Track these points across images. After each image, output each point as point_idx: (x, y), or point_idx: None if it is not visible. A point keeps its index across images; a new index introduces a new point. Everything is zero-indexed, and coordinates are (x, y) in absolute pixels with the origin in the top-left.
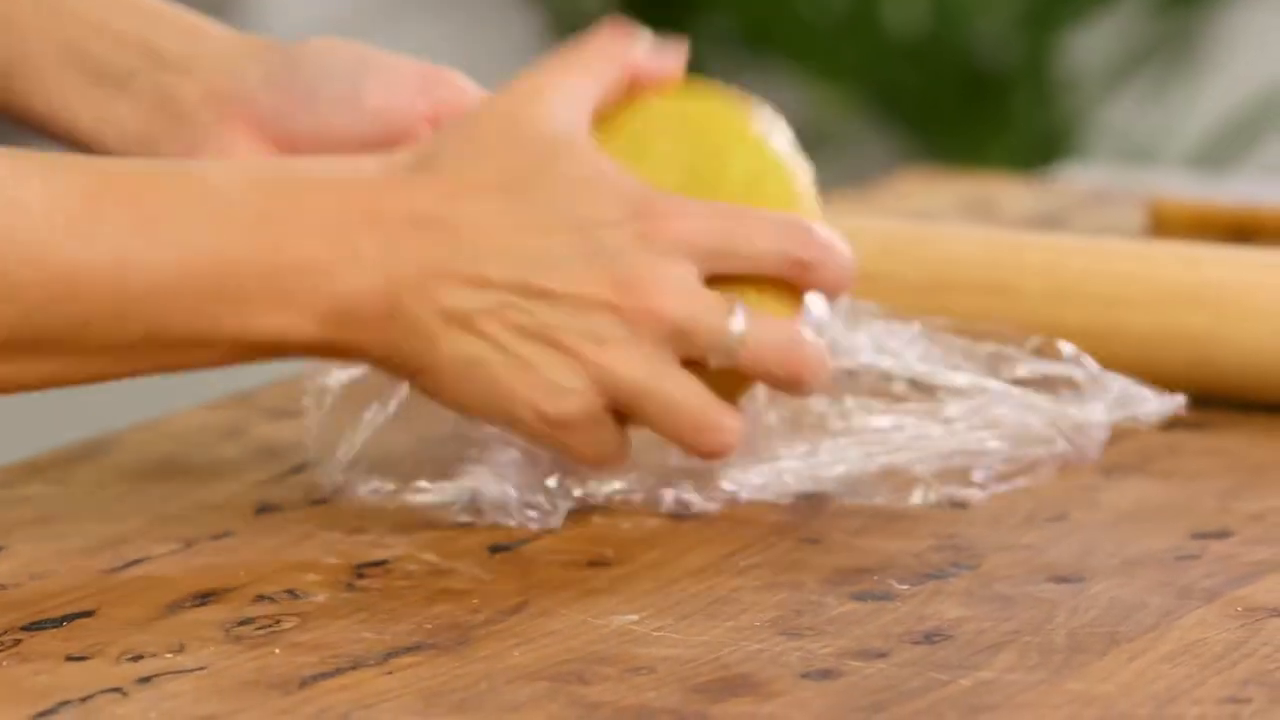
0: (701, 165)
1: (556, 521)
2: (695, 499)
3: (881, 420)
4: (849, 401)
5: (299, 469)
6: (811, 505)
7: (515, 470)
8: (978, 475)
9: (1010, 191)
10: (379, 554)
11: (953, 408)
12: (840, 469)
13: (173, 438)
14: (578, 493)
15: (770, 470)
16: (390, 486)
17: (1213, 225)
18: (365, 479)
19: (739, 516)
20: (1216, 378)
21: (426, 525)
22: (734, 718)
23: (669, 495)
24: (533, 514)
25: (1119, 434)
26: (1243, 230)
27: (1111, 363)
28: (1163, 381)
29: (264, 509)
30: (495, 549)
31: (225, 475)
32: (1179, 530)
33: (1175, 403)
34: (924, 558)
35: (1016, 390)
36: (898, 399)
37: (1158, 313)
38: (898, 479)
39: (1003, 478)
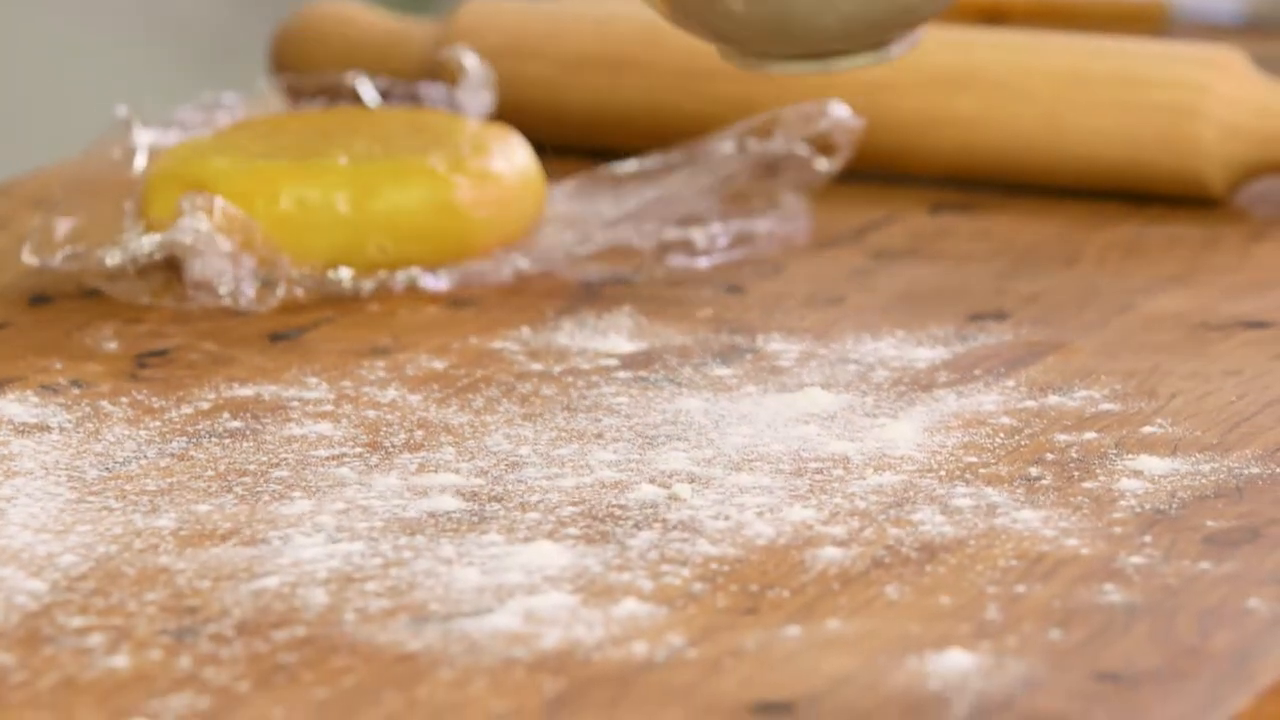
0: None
1: (261, 305)
2: (429, 279)
3: (599, 199)
4: (566, 185)
5: (69, 259)
6: (588, 290)
7: (225, 258)
8: (699, 245)
9: None
10: (159, 344)
11: (663, 182)
12: (562, 248)
13: None
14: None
15: (494, 256)
16: (82, 248)
17: (964, 11)
18: (62, 249)
19: (516, 303)
20: (983, 161)
21: (204, 316)
22: (522, 480)
23: (399, 278)
24: (248, 290)
25: (885, 218)
26: (992, 14)
27: (879, 147)
28: (930, 165)
29: (38, 299)
30: (275, 337)
31: None
32: (956, 313)
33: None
34: (706, 343)
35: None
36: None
37: (925, 97)
38: (620, 254)
39: (723, 249)
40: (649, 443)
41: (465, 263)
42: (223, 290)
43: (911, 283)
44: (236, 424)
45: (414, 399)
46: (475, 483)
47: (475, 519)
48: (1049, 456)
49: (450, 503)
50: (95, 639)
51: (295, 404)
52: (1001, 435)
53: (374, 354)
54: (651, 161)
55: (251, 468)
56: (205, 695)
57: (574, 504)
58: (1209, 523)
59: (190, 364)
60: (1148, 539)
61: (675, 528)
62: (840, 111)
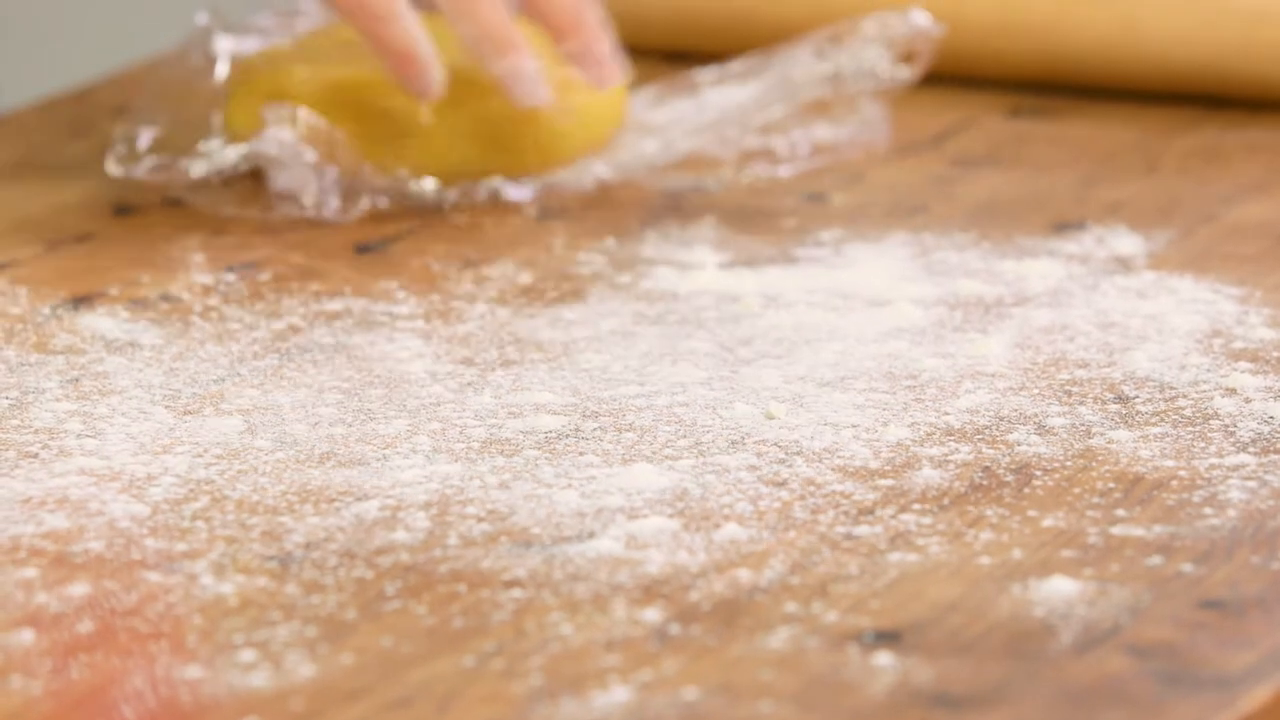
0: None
1: (346, 216)
2: (512, 189)
3: (680, 107)
4: (647, 93)
5: (153, 170)
6: (671, 200)
7: (309, 169)
8: (780, 153)
9: None
10: (246, 256)
11: (744, 90)
12: (644, 158)
13: (19, 135)
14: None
15: (576, 165)
16: (166, 159)
17: None
18: (146, 160)
19: (600, 214)
20: (1060, 65)
21: (289, 228)
22: (616, 400)
23: (482, 188)
24: (332, 201)
25: (963, 124)
26: None
27: (957, 52)
28: (1006, 70)
29: (122, 210)
30: (361, 249)
31: (79, 175)
32: (1040, 222)
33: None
34: (788, 251)
35: (799, 69)
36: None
37: (1002, 1)
38: (702, 163)
39: (804, 157)
40: (740, 359)
41: (547, 172)
42: (307, 201)
43: (993, 191)
44: (328, 339)
45: (503, 313)
46: (569, 401)
47: (572, 439)
48: (1140, 373)
49: (546, 422)
50: (200, 565)
51: (385, 318)
52: (1093, 350)
53: (461, 266)
54: (732, 69)
55: (345, 385)
56: (312, 624)
57: (669, 423)
58: None
59: (278, 276)
60: (1245, 459)
61: (772, 448)
62: (921, 19)
